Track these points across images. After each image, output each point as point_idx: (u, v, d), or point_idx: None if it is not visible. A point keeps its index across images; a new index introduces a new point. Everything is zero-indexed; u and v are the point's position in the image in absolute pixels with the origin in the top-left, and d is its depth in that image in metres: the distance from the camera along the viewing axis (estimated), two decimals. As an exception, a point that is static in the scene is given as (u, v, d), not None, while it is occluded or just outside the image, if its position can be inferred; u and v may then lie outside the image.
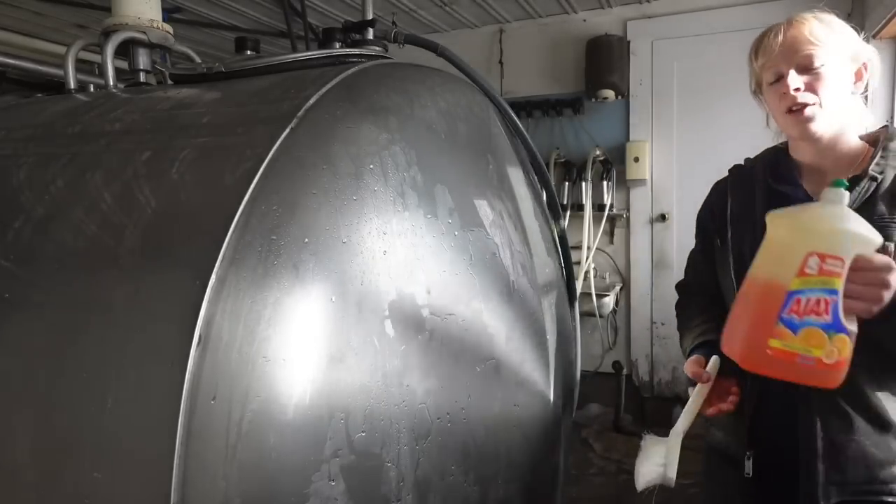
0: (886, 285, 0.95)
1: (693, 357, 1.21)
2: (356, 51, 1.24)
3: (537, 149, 1.54)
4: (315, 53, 1.19)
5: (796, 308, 0.94)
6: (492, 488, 1.12)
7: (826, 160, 1.21)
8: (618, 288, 4.19)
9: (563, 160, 4.18)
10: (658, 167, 4.06)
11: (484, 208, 1.16)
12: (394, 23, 4.08)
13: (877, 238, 0.96)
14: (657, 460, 1.12)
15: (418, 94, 1.12)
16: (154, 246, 0.80)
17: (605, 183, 4.13)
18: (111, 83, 1.31)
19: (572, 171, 4.15)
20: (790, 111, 1.15)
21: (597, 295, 4.02)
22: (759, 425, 1.20)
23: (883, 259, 0.96)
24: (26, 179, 0.96)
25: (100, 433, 0.72)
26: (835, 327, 0.94)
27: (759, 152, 1.36)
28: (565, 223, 1.57)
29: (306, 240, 0.79)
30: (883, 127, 1.25)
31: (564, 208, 4.10)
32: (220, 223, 0.75)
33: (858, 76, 1.20)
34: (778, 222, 1.00)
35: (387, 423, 0.86)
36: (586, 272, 4.02)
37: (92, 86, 1.43)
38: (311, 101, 0.89)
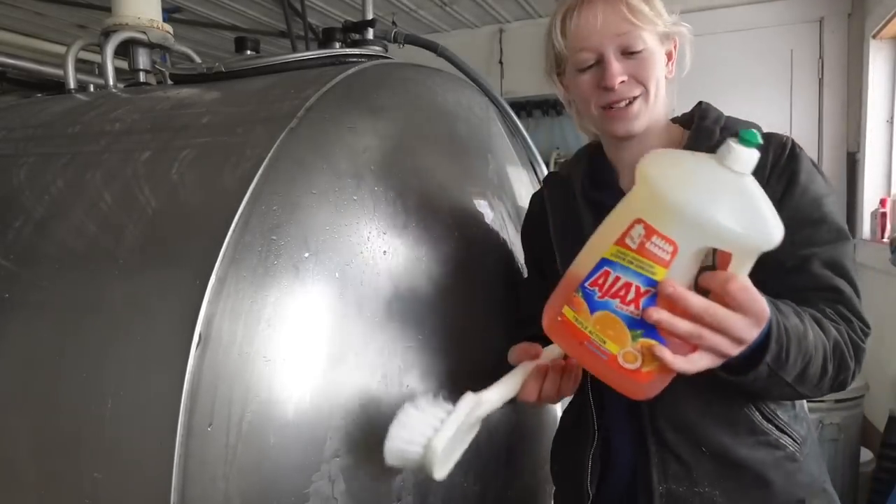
0: (720, 340, 0.69)
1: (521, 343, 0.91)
2: (356, 51, 1.24)
3: (537, 149, 1.54)
4: (315, 53, 1.19)
5: (601, 281, 0.71)
6: (492, 488, 1.12)
7: (640, 154, 0.94)
8: (618, 288, 4.19)
9: (563, 160, 4.18)
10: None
11: (484, 208, 1.16)
12: (394, 23, 4.08)
13: (761, 240, 0.67)
14: (422, 431, 0.76)
15: (418, 94, 1.12)
16: (154, 246, 0.80)
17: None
18: (111, 83, 1.31)
19: (572, 171, 4.15)
20: (609, 108, 0.94)
21: (597, 295, 4.01)
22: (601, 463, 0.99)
23: (737, 286, 0.68)
24: (26, 179, 0.96)
25: (100, 433, 0.72)
26: (642, 327, 0.70)
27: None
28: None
29: (306, 240, 0.79)
30: (696, 105, 1.07)
31: (564, 208, 4.09)
32: (220, 223, 0.75)
33: (669, 57, 1.02)
34: (646, 162, 0.73)
35: (387, 423, 0.86)
36: (586, 272, 4.01)
37: (92, 86, 1.44)
38: (311, 101, 0.89)
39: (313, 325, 0.78)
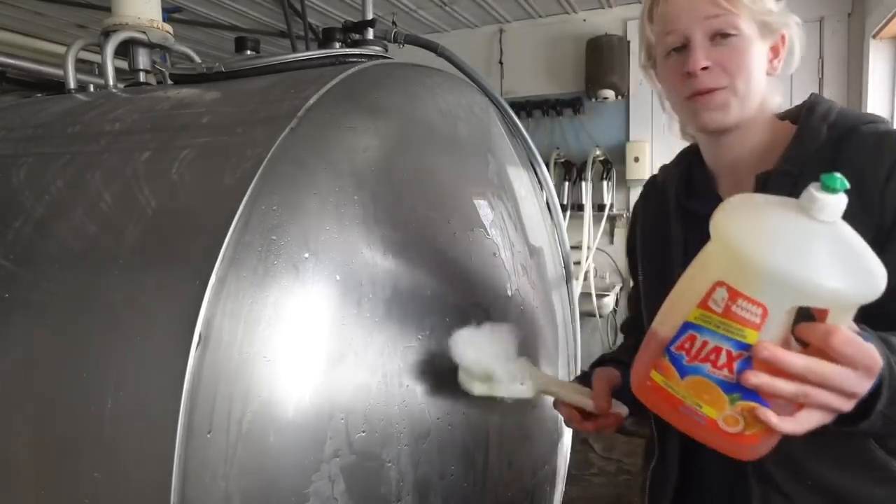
0: (833, 396, 0.62)
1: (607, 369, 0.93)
2: (356, 51, 1.24)
3: (537, 149, 1.54)
4: (315, 53, 1.19)
5: (688, 346, 0.66)
6: (492, 489, 1.12)
7: (740, 155, 0.92)
8: (618, 288, 4.19)
9: (563, 160, 4.18)
10: (658, 167, 4.06)
11: (484, 208, 1.16)
12: (394, 23, 4.08)
13: (863, 294, 0.59)
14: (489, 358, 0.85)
15: (418, 94, 1.12)
16: (154, 246, 0.80)
17: (605, 183, 4.14)
18: (111, 83, 1.31)
19: (572, 171, 4.16)
20: (693, 96, 0.88)
21: (597, 295, 4.02)
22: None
23: (840, 339, 0.60)
24: (26, 179, 0.96)
25: (100, 433, 0.72)
26: (739, 390, 0.64)
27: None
28: (565, 223, 1.54)
29: (306, 240, 0.79)
30: (809, 97, 0.95)
31: (564, 208, 4.10)
32: (220, 223, 0.75)
33: (775, 52, 0.91)
34: (721, 215, 0.66)
35: (387, 423, 0.86)
36: (586, 272, 4.02)
37: (92, 86, 1.43)
38: (311, 101, 0.89)
39: (313, 326, 0.78)
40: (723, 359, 0.64)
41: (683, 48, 0.87)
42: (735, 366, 0.64)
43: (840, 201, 0.60)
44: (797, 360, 0.62)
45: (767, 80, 0.91)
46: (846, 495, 0.81)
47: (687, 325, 0.66)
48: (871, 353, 0.63)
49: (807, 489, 0.83)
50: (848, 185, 0.60)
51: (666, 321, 0.69)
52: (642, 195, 1.09)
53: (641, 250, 1.01)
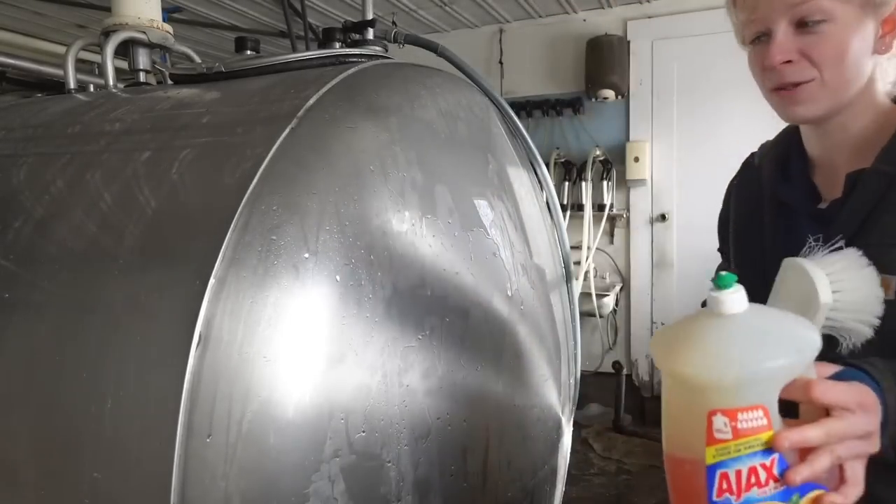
0: (855, 454, 0.63)
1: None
2: (356, 51, 1.24)
3: (537, 149, 1.54)
4: (315, 53, 1.19)
5: (725, 486, 0.64)
6: (492, 489, 1.12)
7: (839, 142, 0.85)
8: (618, 288, 4.19)
9: (563, 160, 4.18)
10: (658, 167, 4.06)
11: (484, 208, 1.16)
12: (394, 23, 4.08)
13: (811, 351, 0.63)
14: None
15: (418, 94, 1.12)
16: (154, 246, 0.80)
17: (605, 183, 4.14)
18: (111, 83, 1.31)
19: (572, 171, 4.16)
20: (776, 90, 0.83)
21: (597, 295, 4.02)
22: None
23: (819, 391, 0.62)
24: (26, 179, 0.96)
25: (100, 433, 0.72)
26: (795, 491, 0.64)
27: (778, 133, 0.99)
28: (565, 223, 1.54)
29: (306, 240, 0.79)
30: None
31: (564, 208, 4.10)
32: (220, 223, 0.75)
33: (890, 26, 0.79)
34: (660, 356, 0.67)
35: (387, 424, 0.86)
36: (586, 272, 4.02)
37: (92, 86, 1.43)
38: (311, 101, 0.89)
39: (313, 325, 0.78)
40: (762, 475, 0.64)
41: (767, 36, 0.81)
42: (775, 473, 0.64)
43: (739, 293, 0.64)
44: (813, 432, 0.63)
45: (877, 59, 0.81)
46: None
47: (712, 469, 0.65)
48: (855, 390, 0.65)
49: None
50: (736, 278, 0.63)
51: (689, 479, 0.67)
52: (737, 175, 1.03)
53: (734, 234, 0.96)
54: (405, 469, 0.90)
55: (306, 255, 0.78)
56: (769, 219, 0.90)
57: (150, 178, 0.87)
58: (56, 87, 1.54)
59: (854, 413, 0.64)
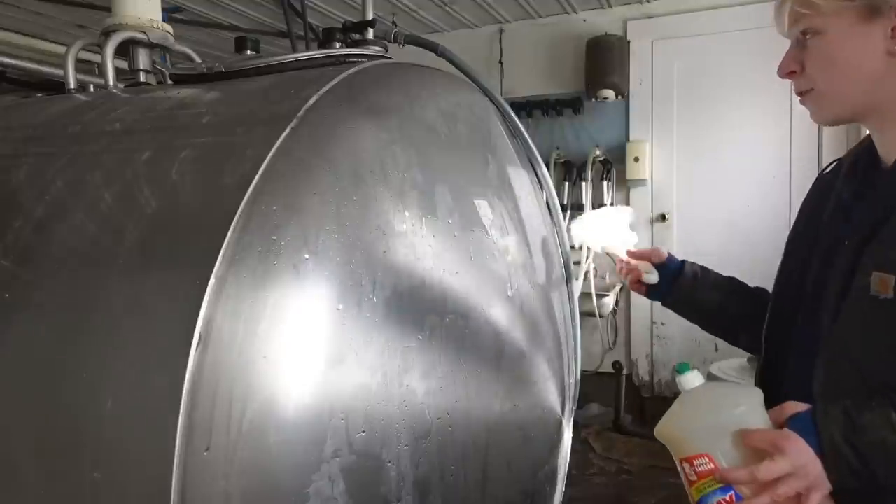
0: (785, 491, 0.79)
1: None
2: (356, 51, 1.24)
3: (537, 149, 1.54)
4: (315, 53, 1.19)
5: None
6: (492, 490, 1.12)
7: (883, 139, 0.91)
8: (618, 288, 4.19)
9: (563, 160, 4.18)
10: (658, 167, 4.06)
11: (484, 208, 1.16)
12: (394, 23, 4.08)
13: (743, 414, 0.84)
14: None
15: (418, 94, 1.12)
16: (154, 246, 0.80)
17: (605, 183, 4.14)
18: (111, 83, 1.31)
19: (572, 171, 4.16)
20: (799, 95, 0.92)
21: (597, 295, 4.02)
22: None
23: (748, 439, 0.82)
24: (26, 179, 0.96)
25: (100, 433, 0.72)
26: None
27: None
28: (565, 223, 1.55)
29: (306, 240, 0.79)
30: None
31: (564, 208, 4.11)
32: (220, 223, 0.75)
33: None
34: (660, 424, 0.93)
35: (387, 423, 0.86)
36: (586, 272, 4.02)
37: (92, 86, 1.43)
38: (311, 101, 0.89)
39: (313, 326, 0.78)
40: None
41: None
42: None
43: (694, 375, 0.91)
44: (741, 471, 0.80)
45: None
46: None
47: (700, 503, 0.85)
48: (773, 435, 0.81)
49: None
50: (689, 367, 0.91)
51: None
52: (826, 167, 1.09)
53: (794, 225, 1.05)
54: (405, 469, 0.90)
55: (306, 256, 0.78)
56: (828, 215, 0.97)
57: (150, 178, 0.87)
58: (56, 87, 1.53)
59: (775, 456, 0.79)
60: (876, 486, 0.80)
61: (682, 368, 0.91)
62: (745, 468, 0.80)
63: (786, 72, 0.89)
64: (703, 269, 1.25)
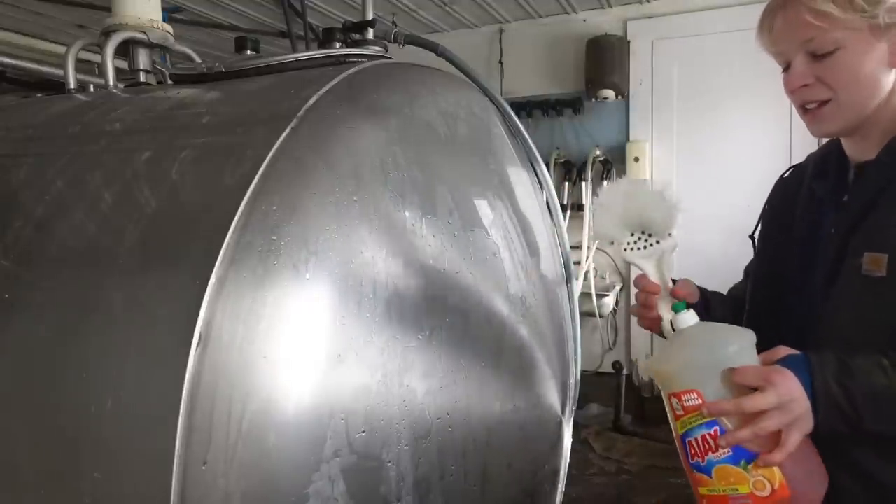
0: (768, 425, 0.80)
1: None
2: (356, 51, 1.24)
3: (537, 149, 1.54)
4: (315, 53, 1.19)
5: (694, 451, 0.85)
6: (492, 489, 1.12)
7: (866, 148, 0.98)
8: (618, 288, 4.19)
9: (563, 160, 4.18)
10: (658, 167, 4.06)
11: (484, 208, 1.16)
12: (394, 23, 4.08)
13: (734, 354, 0.85)
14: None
15: (418, 94, 1.12)
16: (154, 246, 0.80)
17: (605, 183, 4.14)
18: (111, 83, 1.31)
19: (572, 171, 4.16)
20: (803, 108, 0.97)
21: (597, 295, 4.02)
22: None
23: (737, 375, 0.83)
24: (26, 179, 0.96)
25: (100, 433, 0.72)
26: (743, 456, 0.83)
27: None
28: (565, 223, 1.55)
29: (306, 240, 0.79)
30: None
31: (564, 208, 4.11)
32: (220, 223, 0.75)
33: None
34: (650, 361, 0.98)
35: (387, 424, 0.86)
36: (586, 272, 4.02)
37: (92, 86, 1.43)
38: (311, 101, 0.89)
39: (313, 325, 0.78)
40: (711, 443, 0.83)
41: (790, 66, 0.95)
42: (720, 441, 0.83)
43: (689, 312, 0.93)
44: (728, 404, 0.82)
45: (888, 78, 0.93)
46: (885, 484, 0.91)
47: (682, 438, 0.87)
48: (765, 371, 0.83)
49: (847, 478, 0.91)
50: (685, 304, 0.94)
51: (677, 446, 0.91)
52: (787, 170, 1.16)
53: (764, 222, 1.11)
54: (405, 469, 0.90)
55: (306, 255, 0.78)
56: (801, 211, 1.03)
57: (150, 178, 0.87)
58: (56, 87, 1.53)
59: (764, 390, 0.81)
60: (861, 432, 0.83)
61: (678, 307, 0.92)
62: (732, 400, 0.82)
63: (800, 85, 0.93)
64: (712, 296, 1.22)
